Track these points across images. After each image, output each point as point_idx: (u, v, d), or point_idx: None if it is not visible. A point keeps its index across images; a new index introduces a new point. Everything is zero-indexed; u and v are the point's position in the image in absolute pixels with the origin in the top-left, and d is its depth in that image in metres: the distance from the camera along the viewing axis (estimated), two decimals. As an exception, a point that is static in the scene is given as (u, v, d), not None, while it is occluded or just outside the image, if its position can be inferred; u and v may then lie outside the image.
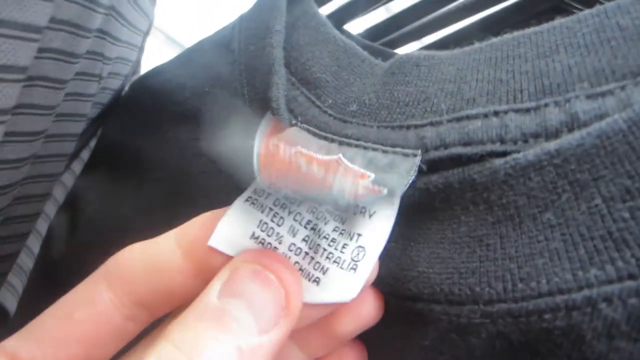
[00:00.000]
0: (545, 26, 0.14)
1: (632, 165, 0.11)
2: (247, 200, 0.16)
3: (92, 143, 0.32)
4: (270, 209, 0.16)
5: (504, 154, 0.13)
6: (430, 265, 0.14)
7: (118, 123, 0.30)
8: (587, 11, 0.14)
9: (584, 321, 0.11)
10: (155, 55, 0.32)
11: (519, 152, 0.13)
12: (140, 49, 0.31)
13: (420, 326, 0.14)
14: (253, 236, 0.15)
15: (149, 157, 0.26)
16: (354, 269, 0.14)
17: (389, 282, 0.15)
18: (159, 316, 0.15)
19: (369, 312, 0.16)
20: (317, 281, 0.14)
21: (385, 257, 0.15)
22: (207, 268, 0.15)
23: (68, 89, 0.22)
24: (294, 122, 0.18)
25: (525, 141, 0.13)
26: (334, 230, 0.15)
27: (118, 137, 0.29)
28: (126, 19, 0.26)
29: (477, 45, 0.15)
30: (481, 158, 0.13)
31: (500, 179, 0.13)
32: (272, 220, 0.15)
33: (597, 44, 0.13)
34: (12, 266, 0.28)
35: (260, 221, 0.15)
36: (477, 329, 0.13)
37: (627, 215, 0.11)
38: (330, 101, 0.18)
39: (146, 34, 0.31)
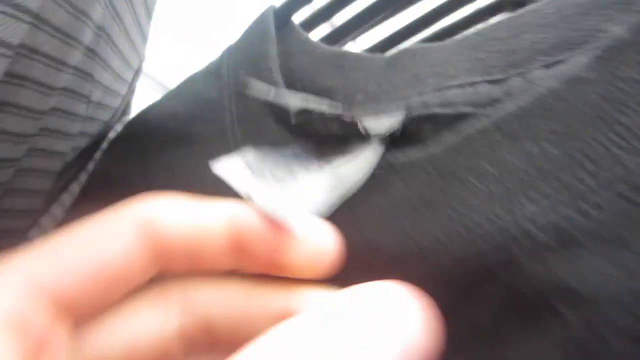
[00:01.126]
0: (519, 11, 0.16)
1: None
2: None
3: (83, 177, 0.32)
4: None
5: (474, 115, 0.14)
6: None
7: (110, 158, 0.30)
8: None
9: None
10: (143, 100, 0.33)
11: (487, 116, 0.14)
12: (131, 88, 0.31)
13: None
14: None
15: (132, 185, 0.26)
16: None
17: None
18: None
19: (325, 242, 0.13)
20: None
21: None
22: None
23: (54, 102, 0.22)
24: None
25: (492, 105, 0.14)
26: None
27: (108, 172, 0.29)
28: (117, 46, 0.26)
29: (465, 33, 0.17)
30: (455, 119, 0.15)
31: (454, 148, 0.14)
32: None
33: (557, 21, 0.15)
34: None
35: None
36: None
37: None
38: (341, 98, 0.19)
39: (137, 73, 0.31)
